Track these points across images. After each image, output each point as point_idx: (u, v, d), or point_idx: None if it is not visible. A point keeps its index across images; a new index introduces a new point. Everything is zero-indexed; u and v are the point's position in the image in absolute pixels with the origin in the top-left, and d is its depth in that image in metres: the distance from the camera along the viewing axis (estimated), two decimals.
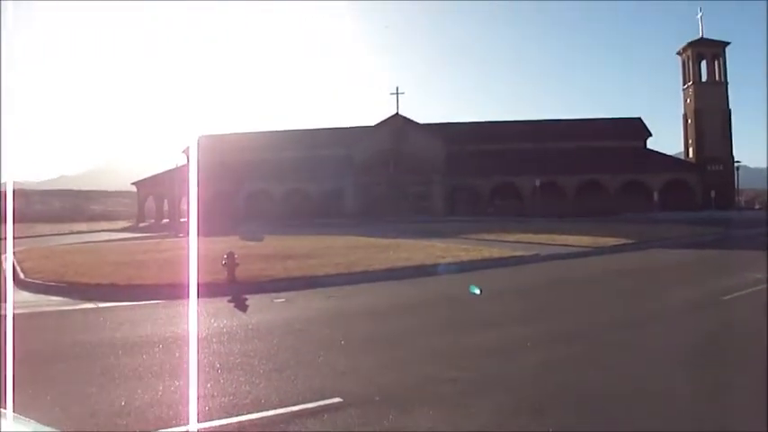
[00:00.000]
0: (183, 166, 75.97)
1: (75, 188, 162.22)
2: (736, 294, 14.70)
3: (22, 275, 20.93)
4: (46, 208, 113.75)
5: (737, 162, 73.58)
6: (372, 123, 78.28)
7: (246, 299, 15.74)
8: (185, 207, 76.29)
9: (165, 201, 79.56)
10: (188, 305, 14.08)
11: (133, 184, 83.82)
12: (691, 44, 76.46)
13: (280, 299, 15.71)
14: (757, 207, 78.24)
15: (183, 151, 78.56)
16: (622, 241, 29.85)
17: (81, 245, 38.91)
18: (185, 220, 69.19)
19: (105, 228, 73.45)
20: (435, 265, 21.13)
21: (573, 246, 27.85)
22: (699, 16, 77.40)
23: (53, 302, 16.63)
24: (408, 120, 76.68)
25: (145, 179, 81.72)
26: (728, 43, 76.03)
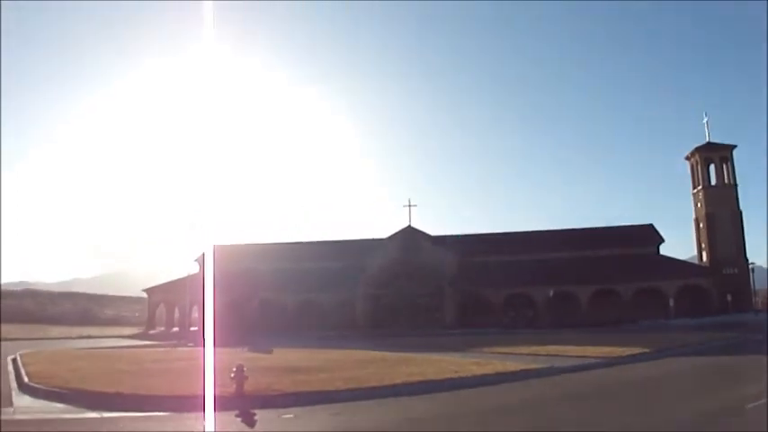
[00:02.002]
0: (195, 274, 76.12)
1: (87, 291, 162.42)
2: (758, 403, 14.29)
3: (26, 379, 20.69)
4: (57, 310, 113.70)
5: (752, 263, 73.02)
6: (385, 235, 78.87)
7: (254, 413, 15.41)
8: (196, 316, 76.21)
9: (176, 308, 79.50)
10: (196, 419, 13.81)
11: (145, 290, 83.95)
12: (698, 149, 77.28)
13: (288, 414, 15.37)
14: None
15: (196, 260, 78.94)
16: (638, 351, 29.32)
17: (90, 350, 38.66)
18: (195, 328, 68.95)
19: (115, 333, 73.20)
20: (447, 380, 20.71)
21: (588, 357, 27.36)
22: (705, 121, 78.68)
23: (55, 410, 16.33)
24: (420, 232, 77.18)
25: (156, 286, 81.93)
26: (735, 146, 76.80)
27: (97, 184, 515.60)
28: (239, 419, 14.73)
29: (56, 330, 76.31)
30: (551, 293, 69.02)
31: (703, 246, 77.23)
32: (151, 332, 74.54)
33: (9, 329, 70.39)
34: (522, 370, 23.42)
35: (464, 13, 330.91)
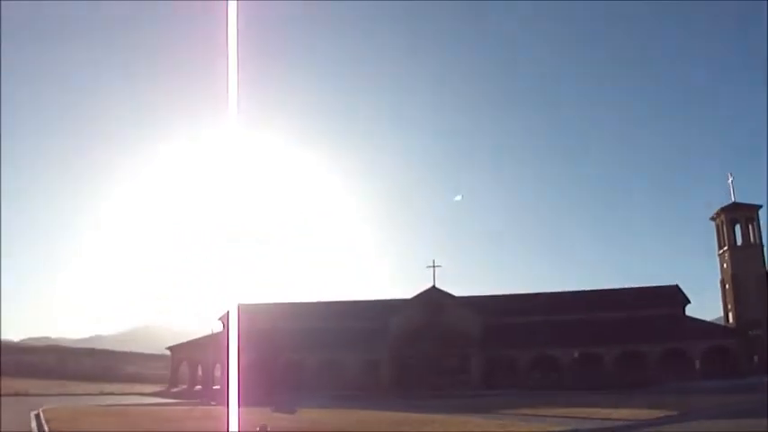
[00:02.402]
0: (219, 332, 76.30)
1: (110, 348, 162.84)
2: None
3: None
4: (80, 366, 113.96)
5: None
6: (408, 295, 78.87)
7: None
8: (219, 374, 76.17)
9: (199, 367, 79.48)
10: None
11: (168, 348, 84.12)
12: (723, 209, 76.82)
13: None
14: None
15: (220, 318, 79.24)
16: (664, 413, 29.00)
17: (112, 407, 38.74)
18: (218, 387, 68.90)
19: (137, 390, 73.21)
20: None
21: (613, 419, 27.13)
22: (730, 181, 78.22)
23: None
24: (445, 293, 76.97)
25: (180, 344, 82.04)
26: (761, 206, 76.21)
27: (119, 241, 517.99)
28: None
29: (78, 386, 76.46)
30: (576, 355, 68.42)
31: (729, 307, 76.25)
32: (174, 390, 74.44)
33: (31, 384, 70.69)
34: None
35: (475, 88, 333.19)
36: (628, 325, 71.58)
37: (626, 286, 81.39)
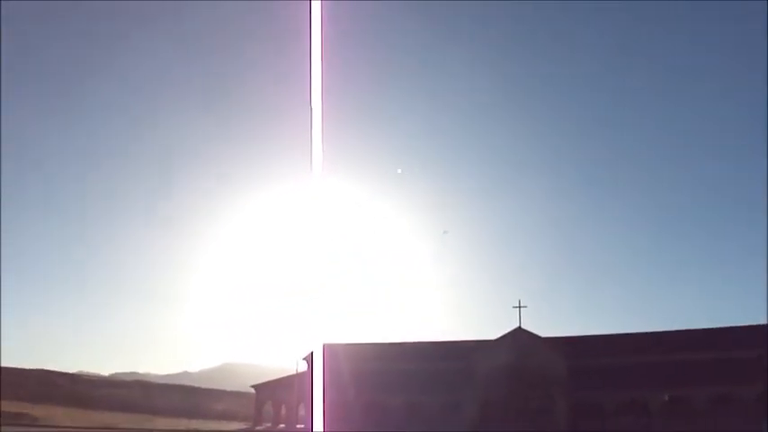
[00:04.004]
0: (303, 372, 76.57)
1: (196, 384, 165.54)
2: None
3: None
4: (166, 402, 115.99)
5: None
6: (492, 336, 77.61)
7: None
8: (302, 413, 76.28)
9: (283, 405, 79.83)
10: None
11: (253, 386, 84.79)
12: None
13: None
14: None
15: (304, 358, 79.57)
16: None
17: None
18: (302, 426, 68.94)
19: (222, 428, 73.90)
20: None
21: None
22: None
23: None
24: (530, 333, 75.53)
25: (265, 383, 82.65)
26: None
27: (206, 279, 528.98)
28: None
29: (163, 421, 77.69)
30: (666, 398, 66.09)
31: None
32: (258, 428, 74.96)
33: (118, 418, 72.21)
34: None
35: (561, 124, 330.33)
36: (719, 366, 68.56)
37: (720, 325, 78.38)
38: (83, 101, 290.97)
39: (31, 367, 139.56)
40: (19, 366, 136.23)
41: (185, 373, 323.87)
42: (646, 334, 79.28)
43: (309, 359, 76.86)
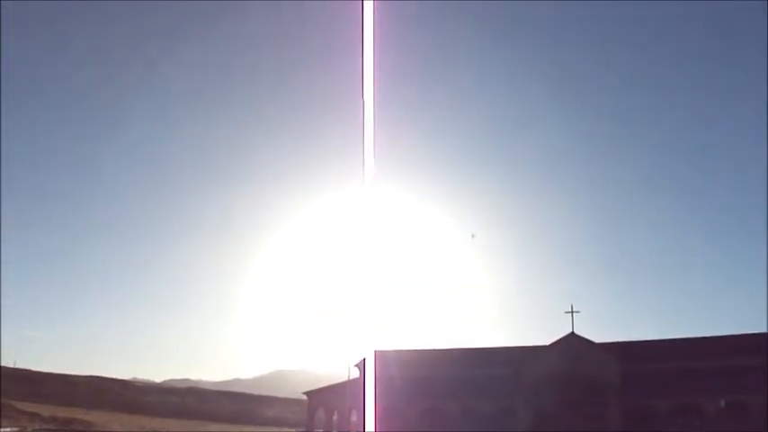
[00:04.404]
0: (355, 378, 76.76)
1: (247, 391, 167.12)
2: None
3: None
4: (219, 408, 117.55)
5: None
6: (544, 341, 76.99)
7: None
8: (354, 419, 76.47)
9: (335, 412, 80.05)
10: None
11: (305, 393, 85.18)
12: None
13: None
14: None
15: (356, 365, 79.76)
16: None
17: None
18: None
19: None
20: None
21: None
22: None
23: None
24: (583, 339, 74.64)
25: (317, 390, 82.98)
26: None
27: (258, 287, 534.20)
28: None
29: (215, 427, 78.46)
30: (723, 403, 64.72)
31: None
32: None
33: (171, 424, 73.11)
34: None
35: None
36: None
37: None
38: (132, 108, 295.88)
39: (85, 374, 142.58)
40: (73, 373, 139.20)
41: (237, 380, 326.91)
42: (700, 338, 77.82)
43: (361, 366, 77.10)
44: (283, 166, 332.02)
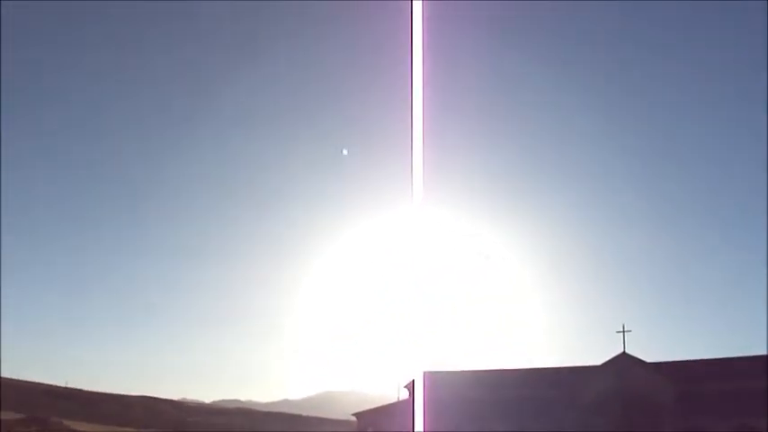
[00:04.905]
0: (404, 400, 76.62)
1: (297, 412, 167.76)
2: None
3: None
4: (266, 428, 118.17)
5: None
6: (594, 361, 76.13)
7: None
8: None
9: None
10: None
11: (354, 414, 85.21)
12: None
13: None
14: None
15: (406, 386, 79.64)
16: None
17: None
18: None
19: None
20: None
21: None
22: None
23: None
24: (635, 358, 73.69)
25: (366, 411, 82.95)
26: None
27: (306, 308, 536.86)
28: None
29: None
30: None
31: None
32: None
33: None
34: None
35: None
36: None
37: None
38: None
39: (136, 394, 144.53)
40: (124, 393, 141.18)
41: (286, 401, 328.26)
42: (755, 357, 76.15)
43: (411, 387, 76.99)
44: (330, 187, 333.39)
